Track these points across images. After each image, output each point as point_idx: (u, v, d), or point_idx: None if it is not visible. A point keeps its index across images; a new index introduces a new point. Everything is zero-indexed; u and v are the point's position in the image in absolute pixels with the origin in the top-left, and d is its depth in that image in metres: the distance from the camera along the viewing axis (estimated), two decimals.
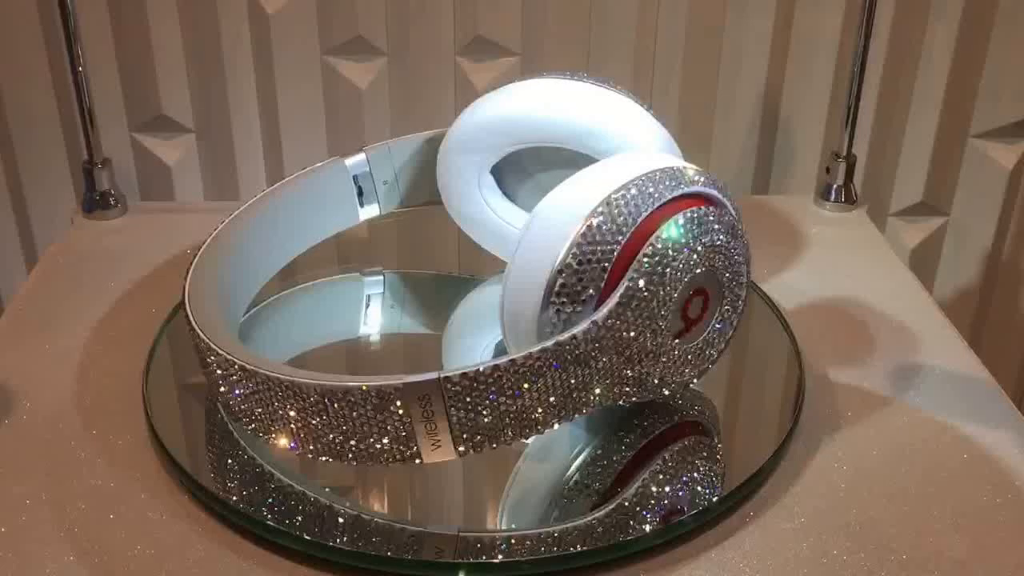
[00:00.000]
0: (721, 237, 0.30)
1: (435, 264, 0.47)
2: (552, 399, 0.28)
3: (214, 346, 0.30)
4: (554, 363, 0.28)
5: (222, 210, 0.39)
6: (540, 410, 0.28)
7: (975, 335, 0.60)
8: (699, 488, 0.31)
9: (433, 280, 0.45)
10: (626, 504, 0.30)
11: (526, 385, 0.27)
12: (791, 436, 0.33)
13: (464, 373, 0.27)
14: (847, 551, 0.29)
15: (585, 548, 0.28)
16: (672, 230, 0.29)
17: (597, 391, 0.29)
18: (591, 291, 0.28)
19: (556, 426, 0.29)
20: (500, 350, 0.34)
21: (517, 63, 0.53)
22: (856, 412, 0.35)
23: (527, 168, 0.39)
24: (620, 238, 0.28)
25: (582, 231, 0.28)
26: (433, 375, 0.27)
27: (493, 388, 0.27)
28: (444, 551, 0.28)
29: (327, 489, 0.31)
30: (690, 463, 0.32)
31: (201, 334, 0.31)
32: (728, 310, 0.31)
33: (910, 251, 0.59)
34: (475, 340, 0.40)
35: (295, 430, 0.29)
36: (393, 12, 0.51)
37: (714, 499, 0.30)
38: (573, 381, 0.28)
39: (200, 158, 0.55)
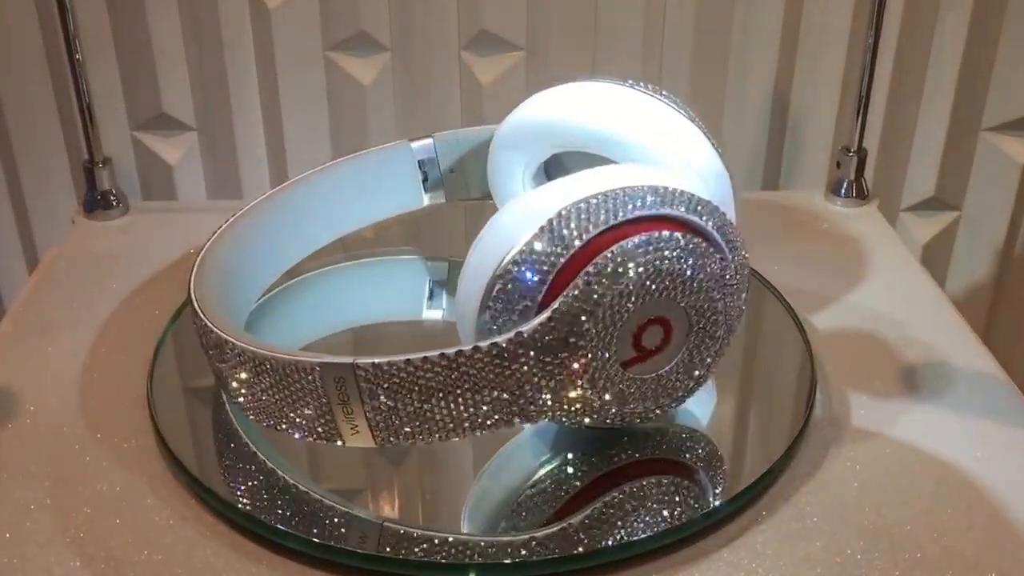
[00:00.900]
0: (690, 268, 0.27)
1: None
2: (475, 404, 0.27)
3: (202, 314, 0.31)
4: (474, 368, 0.26)
5: (225, 209, 0.38)
6: (464, 413, 0.27)
7: (988, 332, 0.60)
8: (709, 487, 0.30)
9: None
10: (634, 500, 0.29)
11: (442, 386, 0.26)
12: (802, 435, 0.33)
13: (375, 363, 0.26)
14: (860, 551, 0.29)
15: (595, 548, 0.28)
16: (621, 251, 0.27)
17: (533, 406, 0.28)
18: (527, 302, 0.27)
19: (487, 432, 0.27)
20: None
21: (522, 58, 0.53)
22: (868, 410, 0.35)
23: (570, 169, 0.39)
24: (566, 252, 0.27)
25: (527, 239, 0.27)
26: (348, 359, 0.27)
27: (407, 382, 0.26)
28: (454, 552, 0.28)
29: (336, 491, 0.31)
30: (697, 461, 0.31)
31: (197, 304, 0.31)
32: (703, 346, 0.29)
33: (922, 247, 0.58)
34: None
35: (243, 397, 0.30)
36: (396, 6, 0.51)
37: (724, 499, 0.30)
38: (498, 391, 0.27)
39: (202, 156, 0.54)
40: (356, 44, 0.52)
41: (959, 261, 0.59)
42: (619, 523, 0.29)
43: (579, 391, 0.28)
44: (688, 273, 0.28)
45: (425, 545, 0.28)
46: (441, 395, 0.27)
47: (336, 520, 0.29)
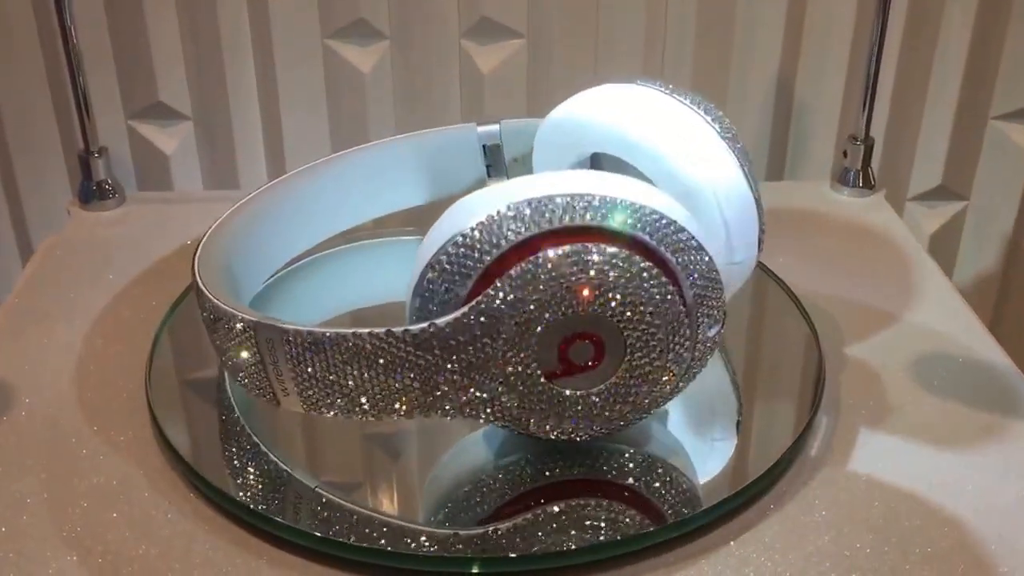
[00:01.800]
0: (621, 289, 0.26)
1: None
2: (387, 387, 0.27)
3: (202, 285, 0.31)
4: (389, 352, 0.27)
5: (221, 199, 0.38)
6: (380, 396, 0.27)
7: (996, 321, 0.59)
8: (716, 480, 0.30)
9: None
10: (644, 494, 0.29)
11: (357, 364, 0.27)
12: (810, 426, 0.33)
13: (298, 330, 0.27)
14: (870, 544, 0.29)
15: (604, 539, 0.28)
16: (543, 259, 0.26)
17: (447, 402, 0.27)
18: (452, 295, 0.27)
19: (408, 417, 0.28)
20: None
21: (523, 46, 0.52)
22: (876, 401, 0.35)
23: (606, 168, 0.38)
24: (494, 251, 0.26)
25: (460, 233, 0.27)
26: (277, 322, 0.28)
27: (328, 355, 0.27)
28: (458, 545, 0.28)
29: (336, 485, 0.30)
30: (706, 456, 0.31)
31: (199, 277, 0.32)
32: (644, 377, 0.28)
33: (929, 236, 0.58)
34: None
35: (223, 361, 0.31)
36: None
37: (732, 491, 0.29)
38: (409, 379, 0.27)
39: (199, 146, 0.54)
40: (355, 32, 0.51)
41: (967, 251, 0.58)
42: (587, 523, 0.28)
43: (489, 393, 0.27)
44: (619, 295, 0.26)
45: (424, 539, 0.28)
46: (357, 372, 0.27)
47: (337, 513, 0.29)
